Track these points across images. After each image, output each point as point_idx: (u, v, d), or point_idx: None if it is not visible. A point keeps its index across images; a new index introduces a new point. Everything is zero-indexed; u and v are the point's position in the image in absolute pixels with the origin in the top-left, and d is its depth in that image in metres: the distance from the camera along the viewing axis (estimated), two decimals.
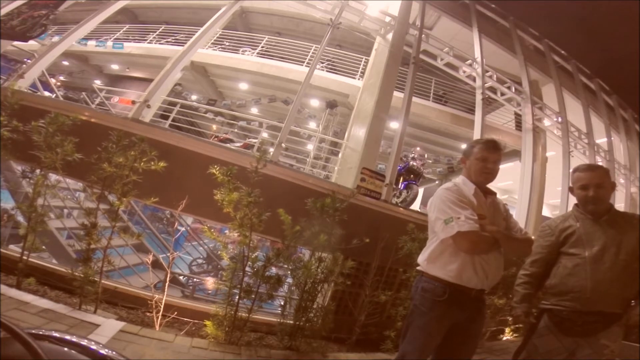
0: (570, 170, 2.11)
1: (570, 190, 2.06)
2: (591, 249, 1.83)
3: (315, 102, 9.49)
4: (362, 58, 8.41)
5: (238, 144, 8.66)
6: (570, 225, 1.96)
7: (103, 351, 1.05)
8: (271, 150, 4.30)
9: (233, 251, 3.11)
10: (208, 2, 7.71)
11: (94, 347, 1.05)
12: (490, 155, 1.86)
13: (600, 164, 7.42)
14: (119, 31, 10.09)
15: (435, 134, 9.55)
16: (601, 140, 8.75)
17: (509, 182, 10.82)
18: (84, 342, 1.06)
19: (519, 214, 6.21)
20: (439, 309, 1.75)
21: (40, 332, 1.05)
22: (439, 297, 1.75)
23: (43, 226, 3.04)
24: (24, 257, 2.94)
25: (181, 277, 7.44)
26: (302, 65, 8.41)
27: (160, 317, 3.05)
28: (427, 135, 9.67)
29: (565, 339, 1.88)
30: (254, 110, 10.88)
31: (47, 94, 6.69)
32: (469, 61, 7.21)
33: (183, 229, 8.51)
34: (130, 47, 9.28)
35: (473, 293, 1.75)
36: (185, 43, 5.73)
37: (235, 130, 9.63)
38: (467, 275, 1.72)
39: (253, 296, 2.95)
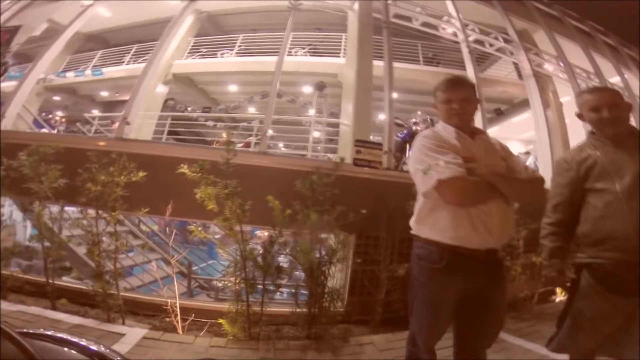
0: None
1: (579, 116, 1.73)
2: (621, 180, 1.49)
3: (308, 89, 9.34)
4: (342, 35, 8.19)
5: (239, 145, 8.67)
6: (589, 155, 1.61)
7: (94, 347, 1.08)
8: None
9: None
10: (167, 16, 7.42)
11: (83, 343, 1.08)
12: (453, 94, 1.58)
13: None
14: (94, 58, 9.79)
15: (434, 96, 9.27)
16: (615, 79, 8.15)
17: (531, 133, 10.49)
18: (75, 339, 1.09)
19: (544, 163, 5.93)
20: (439, 279, 1.49)
21: (31, 331, 1.09)
22: (435, 264, 1.48)
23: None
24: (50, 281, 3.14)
25: (205, 283, 7.60)
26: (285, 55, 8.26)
27: (180, 320, 3.05)
28: (426, 99, 9.37)
29: (617, 298, 1.48)
30: (252, 109, 10.82)
31: (44, 130, 6.86)
32: (445, 17, 6.90)
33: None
34: (109, 71, 9.13)
35: (481, 255, 1.44)
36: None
37: (239, 132, 9.62)
38: (464, 233, 1.42)
39: (260, 288, 2.93)
